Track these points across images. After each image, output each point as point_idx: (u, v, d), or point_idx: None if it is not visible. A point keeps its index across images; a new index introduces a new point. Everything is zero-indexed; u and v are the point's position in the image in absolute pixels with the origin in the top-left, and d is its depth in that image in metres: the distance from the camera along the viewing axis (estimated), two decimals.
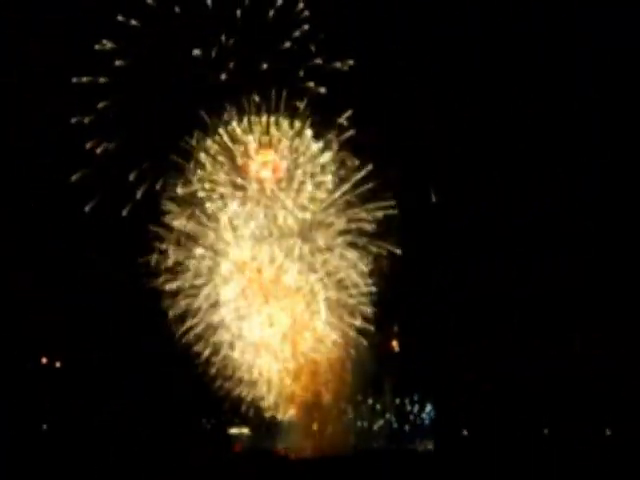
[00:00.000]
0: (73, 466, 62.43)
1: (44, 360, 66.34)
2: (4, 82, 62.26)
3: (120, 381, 65.34)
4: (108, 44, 61.27)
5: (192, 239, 63.67)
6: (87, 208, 61.61)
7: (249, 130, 63.59)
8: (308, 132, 63.44)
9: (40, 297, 63.86)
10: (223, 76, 62.80)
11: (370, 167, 63.16)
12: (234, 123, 63.44)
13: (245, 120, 63.52)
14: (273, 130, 63.37)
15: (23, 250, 63.98)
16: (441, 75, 64.67)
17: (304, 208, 63.85)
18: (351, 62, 62.44)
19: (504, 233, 66.28)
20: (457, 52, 64.49)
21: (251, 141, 63.67)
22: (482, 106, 65.25)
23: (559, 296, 66.40)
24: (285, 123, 63.13)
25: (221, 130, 63.48)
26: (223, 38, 62.50)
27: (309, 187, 63.87)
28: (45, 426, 66.56)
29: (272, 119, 63.01)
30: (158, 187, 62.49)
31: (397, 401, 69.30)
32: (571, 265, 66.08)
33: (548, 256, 66.83)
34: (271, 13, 62.64)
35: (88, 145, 61.63)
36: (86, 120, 61.56)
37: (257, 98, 62.80)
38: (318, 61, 62.61)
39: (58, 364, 66.62)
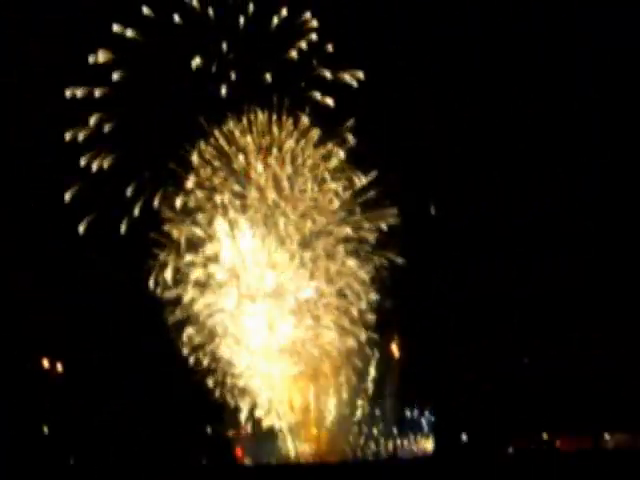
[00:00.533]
0: (73, 468, 62.56)
1: (45, 362, 66.21)
2: (4, 82, 62.18)
3: (120, 382, 65.22)
4: (102, 56, 60.72)
5: (191, 247, 63.48)
6: (84, 223, 61.28)
7: (248, 131, 63.37)
8: (311, 137, 63.30)
9: (40, 297, 63.77)
10: (225, 89, 62.17)
11: (372, 175, 63.15)
12: (231, 123, 63.18)
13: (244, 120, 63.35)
14: (275, 132, 63.19)
15: (23, 250, 63.91)
16: (441, 75, 64.69)
17: (305, 216, 63.77)
18: (361, 75, 62.12)
19: (504, 233, 66.33)
20: (457, 52, 64.55)
21: (250, 143, 63.42)
22: (482, 106, 65.28)
23: (559, 296, 66.42)
24: (289, 123, 62.92)
25: (219, 133, 63.23)
26: (225, 47, 62.01)
27: (311, 194, 63.84)
28: (46, 428, 66.50)
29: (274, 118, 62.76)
30: (158, 195, 62.23)
31: (397, 406, 69.23)
32: (571, 265, 66.12)
33: (548, 256, 66.90)
34: (277, 22, 62.00)
35: (83, 162, 61.38)
36: (81, 136, 61.30)
37: (260, 114, 62.48)
38: (326, 72, 62.21)
39: (59, 366, 66.48)
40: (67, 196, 60.84)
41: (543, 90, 66.25)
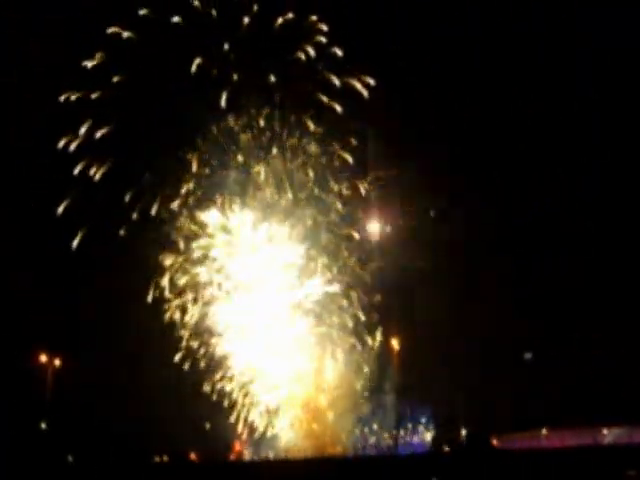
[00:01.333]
0: (72, 465, 62.71)
1: (43, 359, 66.35)
2: (3, 82, 62.20)
3: (120, 381, 65.33)
4: (101, 58, 60.52)
5: (190, 247, 63.47)
6: (80, 233, 61.31)
7: (249, 128, 63.26)
8: (313, 137, 63.24)
9: (40, 297, 63.86)
10: (226, 89, 62.05)
11: (375, 175, 63.24)
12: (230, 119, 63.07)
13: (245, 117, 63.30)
14: (277, 129, 63.12)
15: (23, 250, 64.00)
16: (441, 75, 64.77)
17: (305, 214, 63.81)
18: (371, 81, 61.90)
19: (504, 233, 66.50)
20: (457, 52, 64.61)
21: (251, 140, 63.35)
22: (482, 106, 65.36)
23: (559, 296, 66.52)
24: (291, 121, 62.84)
25: (219, 132, 63.20)
26: (227, 47, 61.67)
27: (312, 193, 63.92)
28: (44, 425, 66.68)
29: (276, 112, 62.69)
30: (157, 197, 62.20)
31: (396, 402, 69.38)
32: (571, 265, 66.21)
33: (548, 256, 67.02)
34: (282, 23, 61.77)
35: (77, 170, 61.33)
36: (73, 145, 61.27)
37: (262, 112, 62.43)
38: (333, 78, 61.98)
39: (58, 363, 66.63)
40: (61, 208, 60.90)
41: (543, 90, 66.32)
